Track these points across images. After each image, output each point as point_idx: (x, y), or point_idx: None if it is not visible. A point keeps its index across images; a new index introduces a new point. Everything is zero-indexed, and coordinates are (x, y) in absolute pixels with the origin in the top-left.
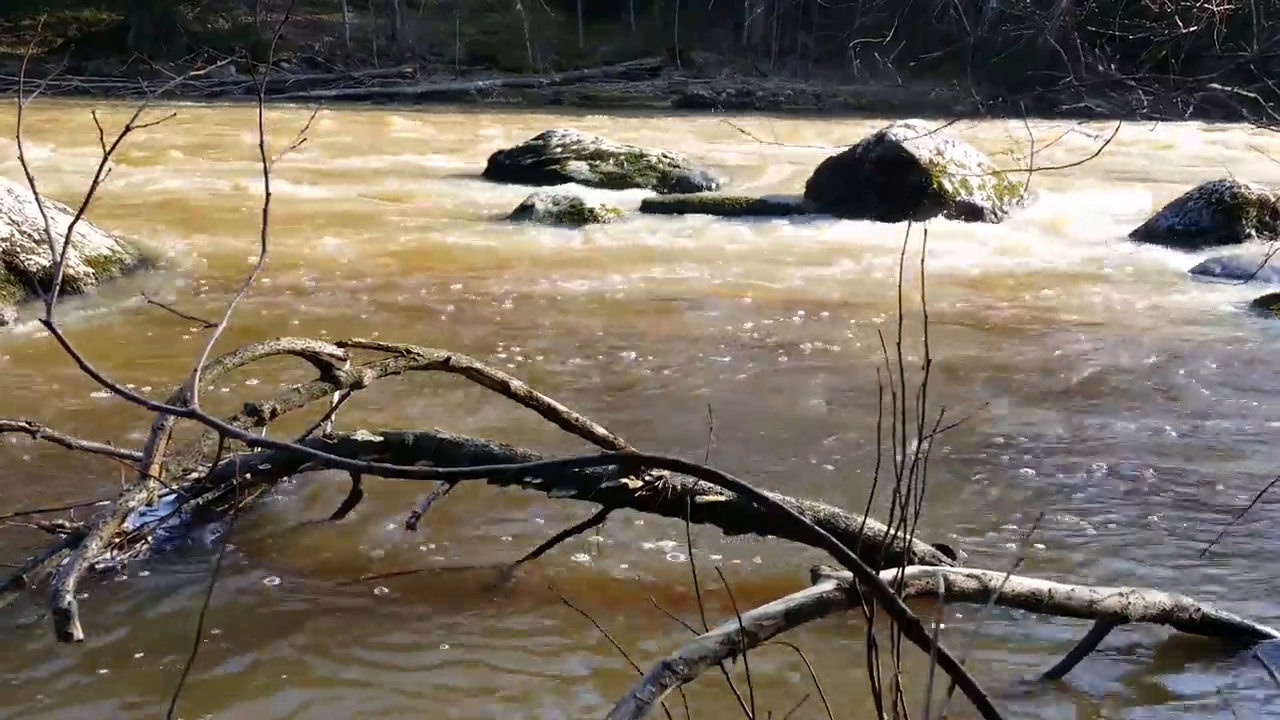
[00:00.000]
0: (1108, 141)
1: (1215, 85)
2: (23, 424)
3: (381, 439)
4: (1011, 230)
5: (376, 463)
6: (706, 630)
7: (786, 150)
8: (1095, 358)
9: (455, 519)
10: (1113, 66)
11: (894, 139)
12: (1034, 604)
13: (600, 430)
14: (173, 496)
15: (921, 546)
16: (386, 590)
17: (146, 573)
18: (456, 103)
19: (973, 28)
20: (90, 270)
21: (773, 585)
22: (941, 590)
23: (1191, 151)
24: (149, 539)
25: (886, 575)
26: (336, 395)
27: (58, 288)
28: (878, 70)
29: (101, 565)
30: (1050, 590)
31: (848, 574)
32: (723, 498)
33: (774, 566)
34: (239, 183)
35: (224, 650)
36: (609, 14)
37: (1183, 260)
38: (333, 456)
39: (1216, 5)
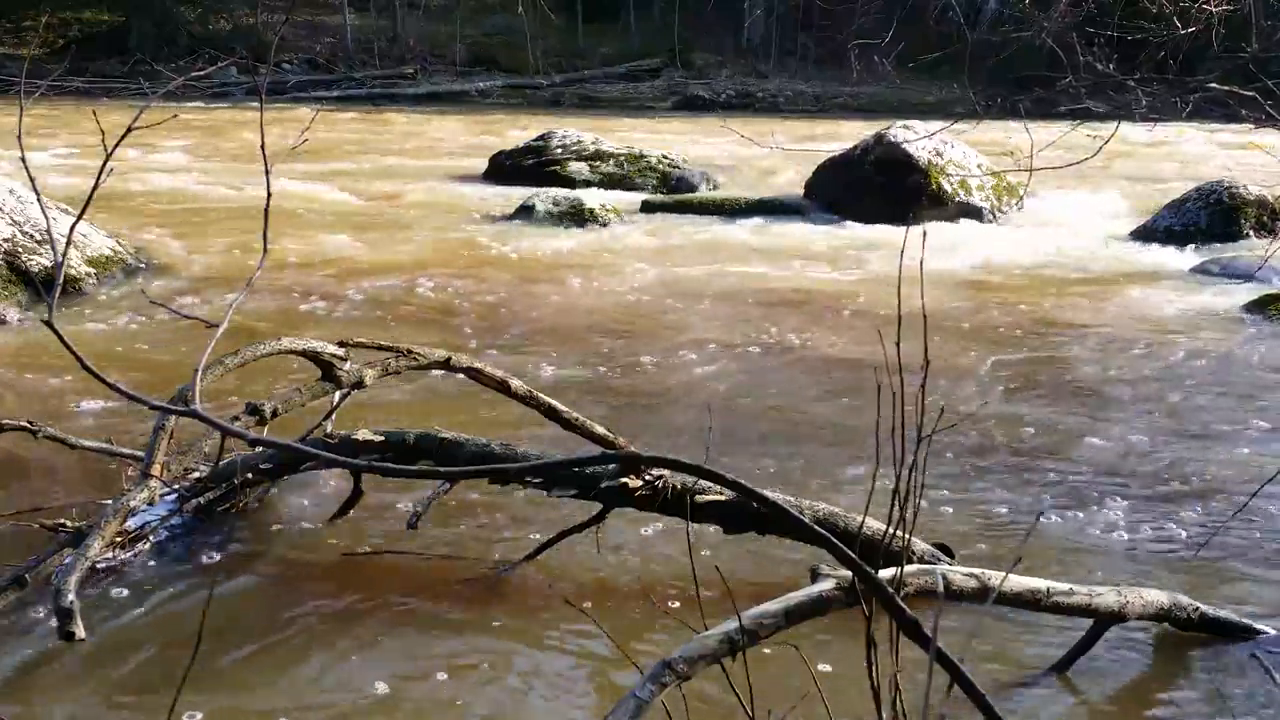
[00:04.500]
0: (1106, 142)
1: (1213, 85)
2: (24, 424)
3: (382, 438)
4: (1010, 231)
5: (377, 462)
6: (706, 629)
7: (785, 151)
8: (1093, 357)
9: (456, 518)
10: (1110, 66)
11: (893, 140)
12: (1032, 603)
13: (600, 430)
14: (174, 496)
15: (920, 545)
16: (387, 590)
17: (148, 572)
18: (457, 104)
19: (972, 29)
20: (92, 271)
21: (772, 584)
22: (940, 589)
23: (1190, 152)
24: (150, 538)
25: (885, 574)
26: (337, 395)
27: (59, 288)
28: (876, 72)
29: (103, 564)
30: (1048, 589)
31: (847, 573)
32: (722, 497)
33: (774, 566)
34: (240, 183)
35: (225, 650)
36: (609, 15)
37: (1181, 260)
38: (334, 456)
39: (1215, 6)
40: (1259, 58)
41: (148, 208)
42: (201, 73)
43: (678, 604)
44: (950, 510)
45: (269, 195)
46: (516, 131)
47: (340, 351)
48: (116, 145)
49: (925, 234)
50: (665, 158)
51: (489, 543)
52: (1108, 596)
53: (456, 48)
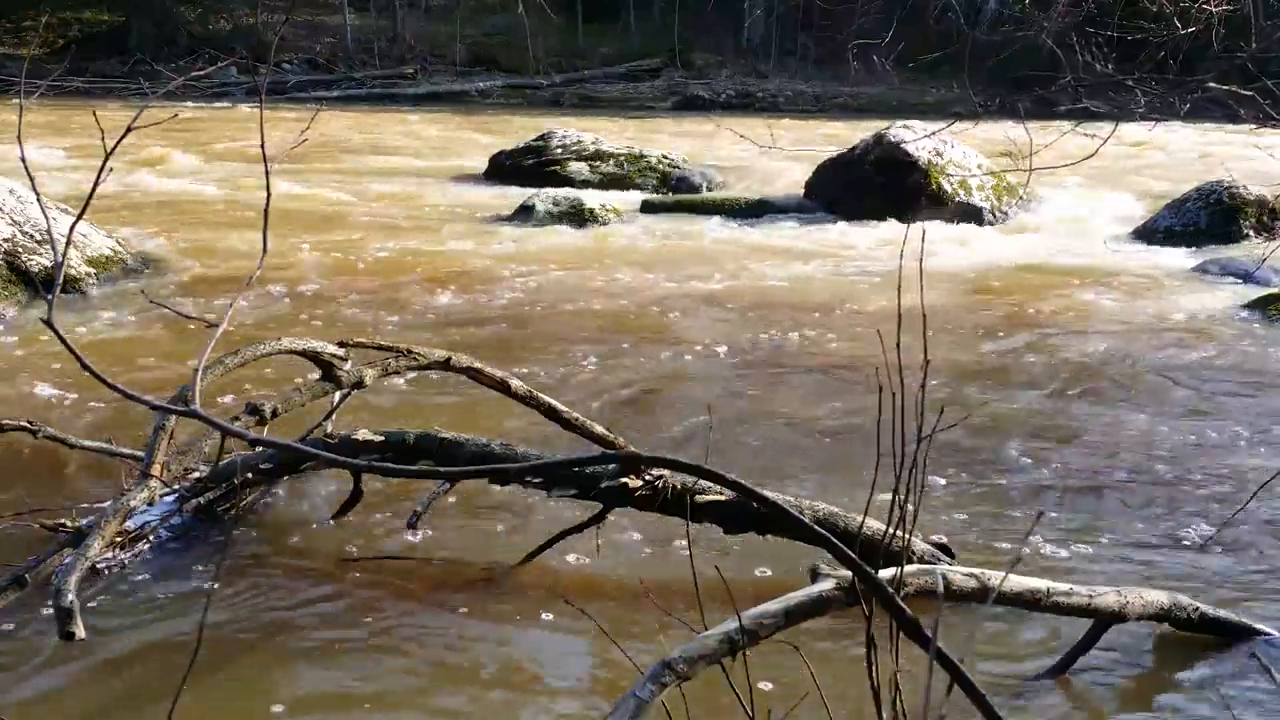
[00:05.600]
0: (1105, 141)
1: (1212, 84)
2: (24, 424)
3: (382, 438)
4: (1010, 231)
5: (377, 462)
6: (706, 629)
7: (786, 151)
8: (1094, 358)
9: (455, 518)
10: (1109, 66)
11: (893, 140)
12: (1032, 603)
13: (600, 430)
14: (174, 496)
15: (920, 545)
16: (386, 590)
17: (148, 572)
18: (457, 104)
19: (972, 29)
20: (92, 270)
21: (772, 584)
22: (940, 589)
23: (1190, 152)
24: (151, 538)
25: (885, 574)
26: (337, 395)
27: (59, 288)
28: (875, 72)
29: (103, 564)
30: (1048, 589)
31: (847, 573)
32: (722, 497)
33: (773, 566)
34: (239, 183)
35: (225, 650)
36: (609, 15)
37: (1181, 260)
38: (334, 456)
39: (1215, 6)
40: (1258, 57)
41: (147, 208)
42: (201, 73)
43: (678, 604)
44: (950, 510)
45: (269, 195)
46: (517, 131)
47: (340, 351)
48: (116, 145)
49: (925, 234)
50: (665, 158)
51: (489, 543)
52: (1108, 596)
53: (456, 48)
